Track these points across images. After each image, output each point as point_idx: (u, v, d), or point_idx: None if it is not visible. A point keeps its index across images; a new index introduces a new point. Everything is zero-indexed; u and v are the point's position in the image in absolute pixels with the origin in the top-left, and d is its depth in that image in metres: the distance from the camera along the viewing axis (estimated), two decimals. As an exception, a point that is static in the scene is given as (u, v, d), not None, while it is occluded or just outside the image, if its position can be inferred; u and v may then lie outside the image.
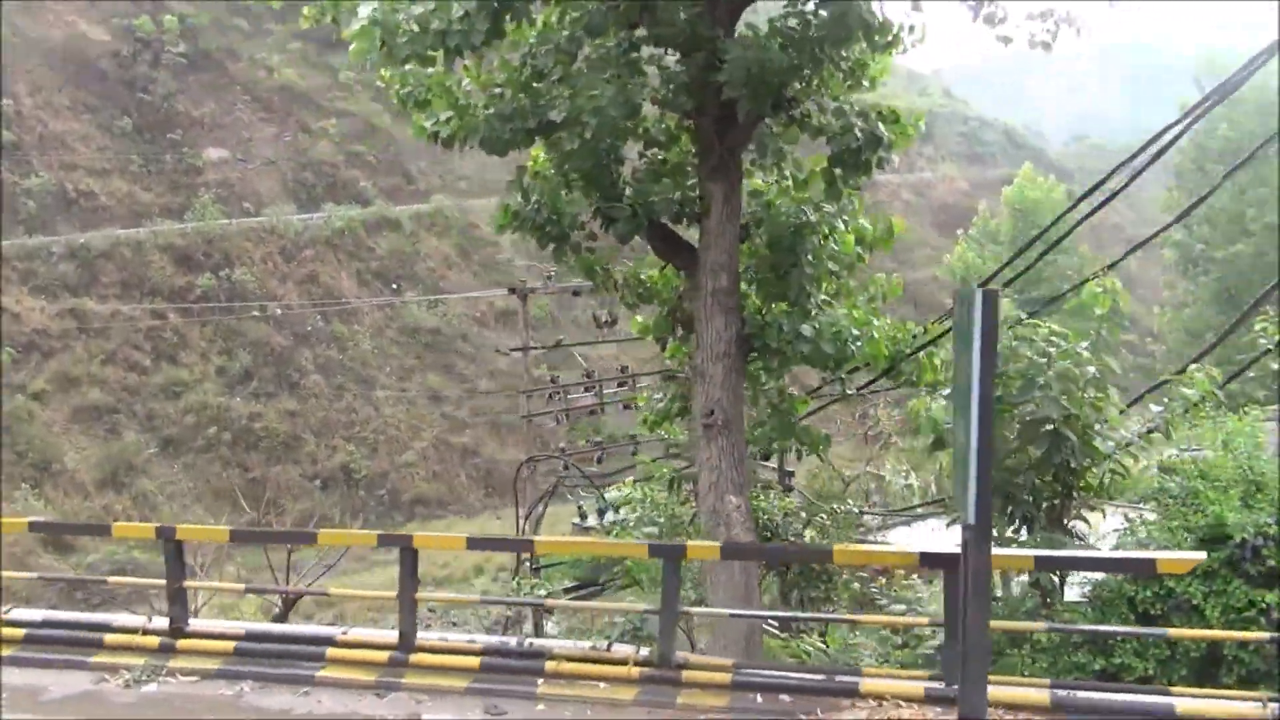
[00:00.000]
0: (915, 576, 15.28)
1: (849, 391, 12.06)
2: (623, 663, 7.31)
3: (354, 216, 57.53)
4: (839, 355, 10.26)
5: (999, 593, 9.71)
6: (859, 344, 10.28)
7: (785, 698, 6.90)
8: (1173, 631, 7.30)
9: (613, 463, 24.56)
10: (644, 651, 7.37)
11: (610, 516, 18.93)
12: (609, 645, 7.58)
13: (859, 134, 9.47)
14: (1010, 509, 9.23)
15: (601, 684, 7.21)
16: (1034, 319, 9.66)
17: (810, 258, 10.24)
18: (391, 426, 52.32)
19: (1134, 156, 12.58)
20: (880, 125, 9.61)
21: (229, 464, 47.82)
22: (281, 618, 15.04)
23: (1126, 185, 13.57)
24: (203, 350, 50.50)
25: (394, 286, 56.84)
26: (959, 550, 7.31)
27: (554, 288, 22.00)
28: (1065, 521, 9.29)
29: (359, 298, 55.14)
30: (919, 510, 18.75)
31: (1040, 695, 6.49)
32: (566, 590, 18.16)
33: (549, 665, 7.39)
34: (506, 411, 55.98)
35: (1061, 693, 6.56)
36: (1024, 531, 9.40)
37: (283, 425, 49.80)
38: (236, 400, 49.41)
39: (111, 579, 11.41)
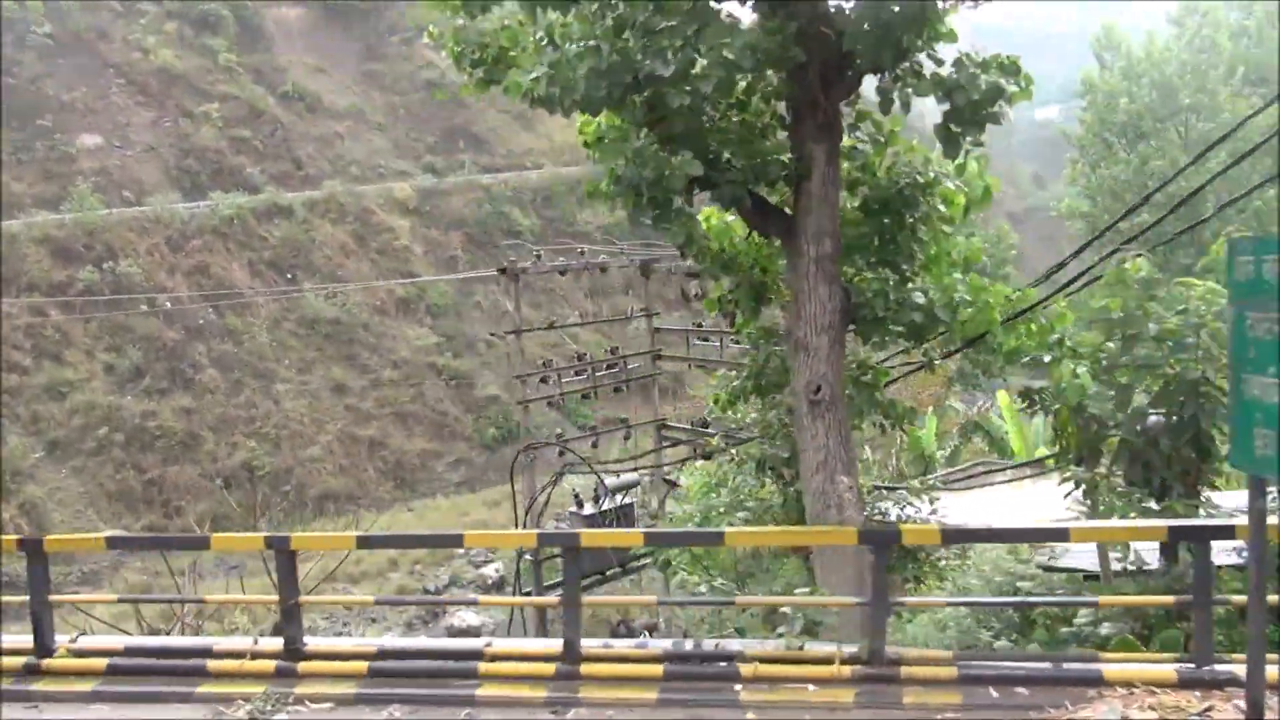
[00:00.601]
0: (944, 550, 14.85)
1: (935, 360, 11.52)
2: (827, 662, 6.66)
3: (243, 204, 54.92)
4: (952, 324, 9.76)
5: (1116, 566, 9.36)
6: (971, 311, 9.78)
7: (1021, 690, 6.35)
8: None
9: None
10: (848, 649, 6.73)
11: (607, 504, 18.23)
12: (801, 644, 6.92)
13: (983, 86, 8.91)
14: (1148, 476, 8.86)
15: (810, 686, 6.55)
16: (1187, 279, 9.29)
17: (918, 220, 9.70)
18: (294, 421, 50.32)
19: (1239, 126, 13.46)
20: (1000, 77, 9.07)
21: (123, 466, 45.35)
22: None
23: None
24: (88, 348, 47.66)
25: (289, 276, 54.55)
26: (1209, 524, 6.93)
27: (545, 266, 21.10)
28: (1200, 489, 8.96)
29: (253, 289, 52.74)
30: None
31: (1309, 673, 6.07)
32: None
33: (744, 669, 6.69)
34: (411, 401, 54.62)
35: (1321, 668, 6.16)
36: (1152, 501, 9.03)
37: (179, 423, 47.38)
38: (128, 399, 46.80)
39: (211, 598, 10.15)
